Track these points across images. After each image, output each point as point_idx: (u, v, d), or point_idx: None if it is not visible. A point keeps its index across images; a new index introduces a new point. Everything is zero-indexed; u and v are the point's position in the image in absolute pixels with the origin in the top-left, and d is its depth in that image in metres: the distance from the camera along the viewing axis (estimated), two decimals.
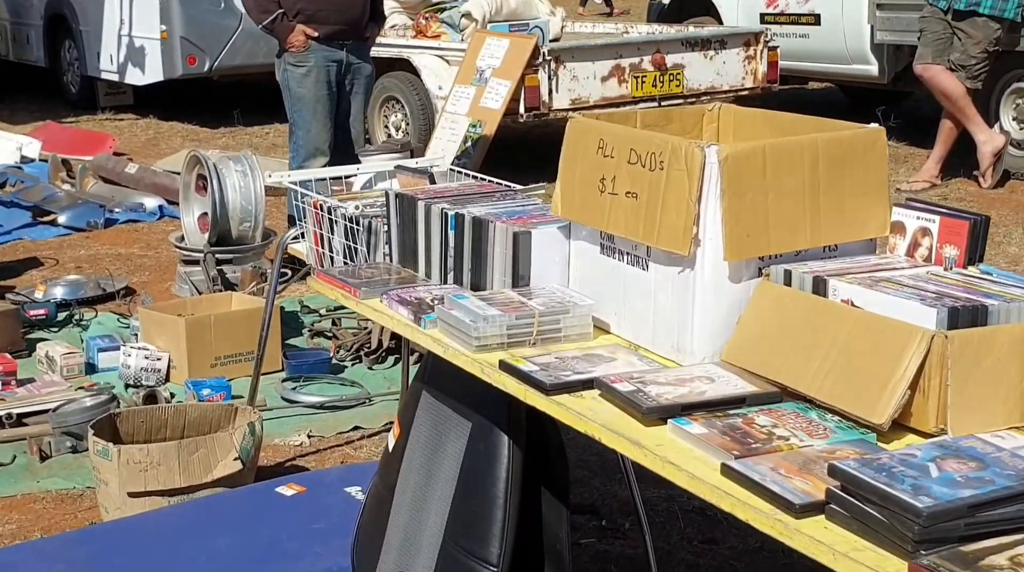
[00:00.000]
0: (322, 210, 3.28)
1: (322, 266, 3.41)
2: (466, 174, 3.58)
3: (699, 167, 2.19)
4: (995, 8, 7.53)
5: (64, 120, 11.46)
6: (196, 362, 4.76)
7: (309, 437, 4.28)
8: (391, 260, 3.01)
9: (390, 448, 2.96)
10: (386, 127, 8.80)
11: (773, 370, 2.13)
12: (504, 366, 2.31)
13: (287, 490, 3.55)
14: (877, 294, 2.10)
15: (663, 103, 8.76)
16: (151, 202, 7.76)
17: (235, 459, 3.60)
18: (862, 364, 1.99)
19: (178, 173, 8.33)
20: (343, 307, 5.75)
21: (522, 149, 9.04)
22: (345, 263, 3.22)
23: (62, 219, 7.37)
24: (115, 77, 11.56)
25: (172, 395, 4.58)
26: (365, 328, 5.33)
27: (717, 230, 2.21)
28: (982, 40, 7.61)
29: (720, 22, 10.02)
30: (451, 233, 2.77)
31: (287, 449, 4.20)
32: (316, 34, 6.24)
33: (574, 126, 2.54)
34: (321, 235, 3.30)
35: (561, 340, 2.44)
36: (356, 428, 4.36)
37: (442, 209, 2.82)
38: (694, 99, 9.05)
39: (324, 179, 3.79)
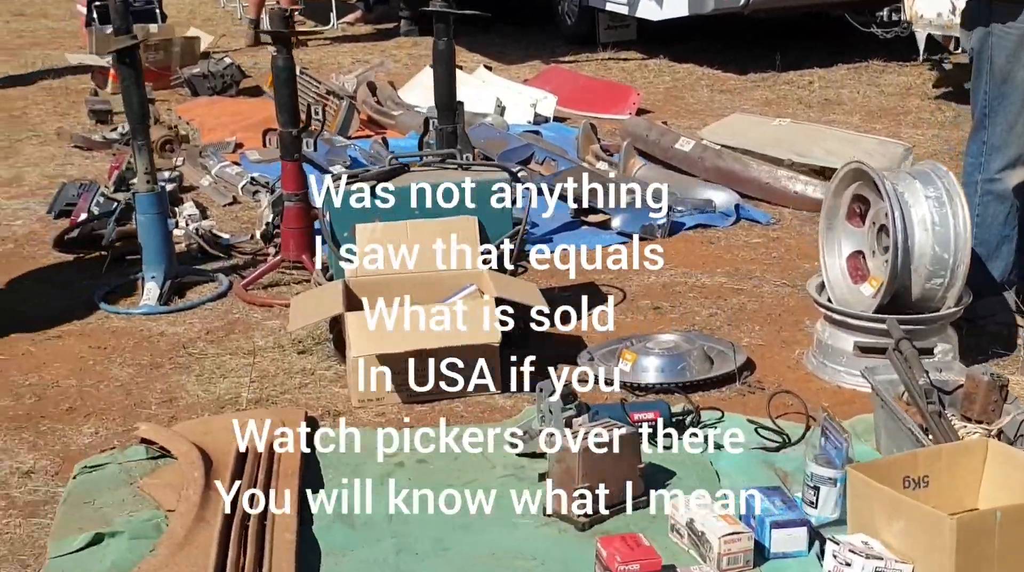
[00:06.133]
0: None
1: None
2: None
3: None
4: None
5: (561, 60, 9.75)
6: None
7: None
8: None
9: None
10: None
11: None
12: None
13: None
14: None
15: None
16: (722, 197, 5.76)
17: None
18: None
19: (727, 147, 6.34)
20: None
21: None
22: None
23: (617, 222, 5.49)
24: (623, 9, 9.70)
25: None
26: None
27: None
28: None
29: None
30: None
31: None
32: None
33: None
34: None
35: None
36: None
37: None
38: None
39: None
